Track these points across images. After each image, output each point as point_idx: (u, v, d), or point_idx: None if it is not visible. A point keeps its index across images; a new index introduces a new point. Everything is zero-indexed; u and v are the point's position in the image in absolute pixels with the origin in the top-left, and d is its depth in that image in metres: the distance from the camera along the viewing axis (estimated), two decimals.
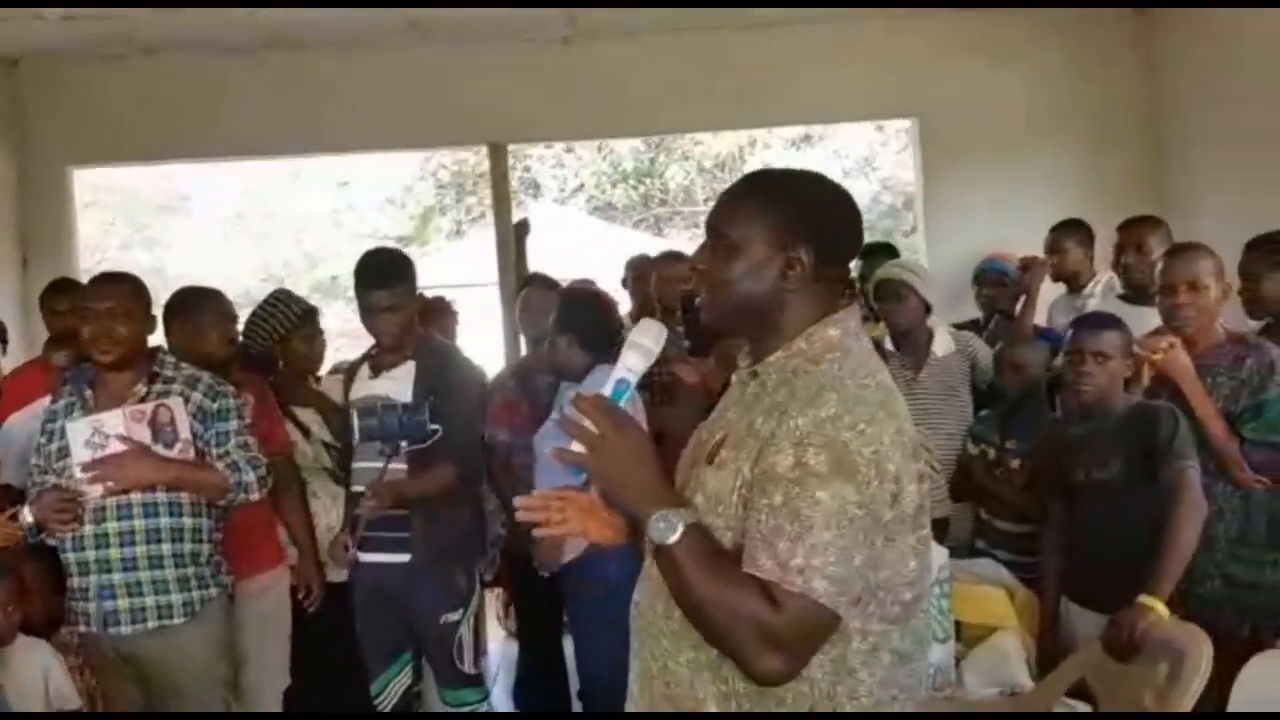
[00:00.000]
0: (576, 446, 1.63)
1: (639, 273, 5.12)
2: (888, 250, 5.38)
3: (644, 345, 1.70)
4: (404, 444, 3.40)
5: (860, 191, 15.76)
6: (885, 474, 1.56)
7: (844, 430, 1.55)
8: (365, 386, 3.59)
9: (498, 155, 6.24)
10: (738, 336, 1.87)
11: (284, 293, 4.23)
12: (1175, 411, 3.08)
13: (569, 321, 3.64)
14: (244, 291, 12.99)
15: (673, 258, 5.02)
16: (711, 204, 1.82)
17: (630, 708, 1.82)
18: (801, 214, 1.72)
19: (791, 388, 1.65)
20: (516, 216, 6.16)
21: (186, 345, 3.58)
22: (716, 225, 1.76)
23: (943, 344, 4.30)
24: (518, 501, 1.86)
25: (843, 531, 1.53)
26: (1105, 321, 3.34)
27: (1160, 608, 2.76)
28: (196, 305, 3.71)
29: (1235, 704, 2.34)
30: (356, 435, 3.46)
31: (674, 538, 1.57)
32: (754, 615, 1.53)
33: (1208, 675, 2.52)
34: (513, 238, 5.83)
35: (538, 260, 5.65)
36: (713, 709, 1.65)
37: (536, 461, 3.55)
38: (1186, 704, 2.50)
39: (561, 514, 1.85)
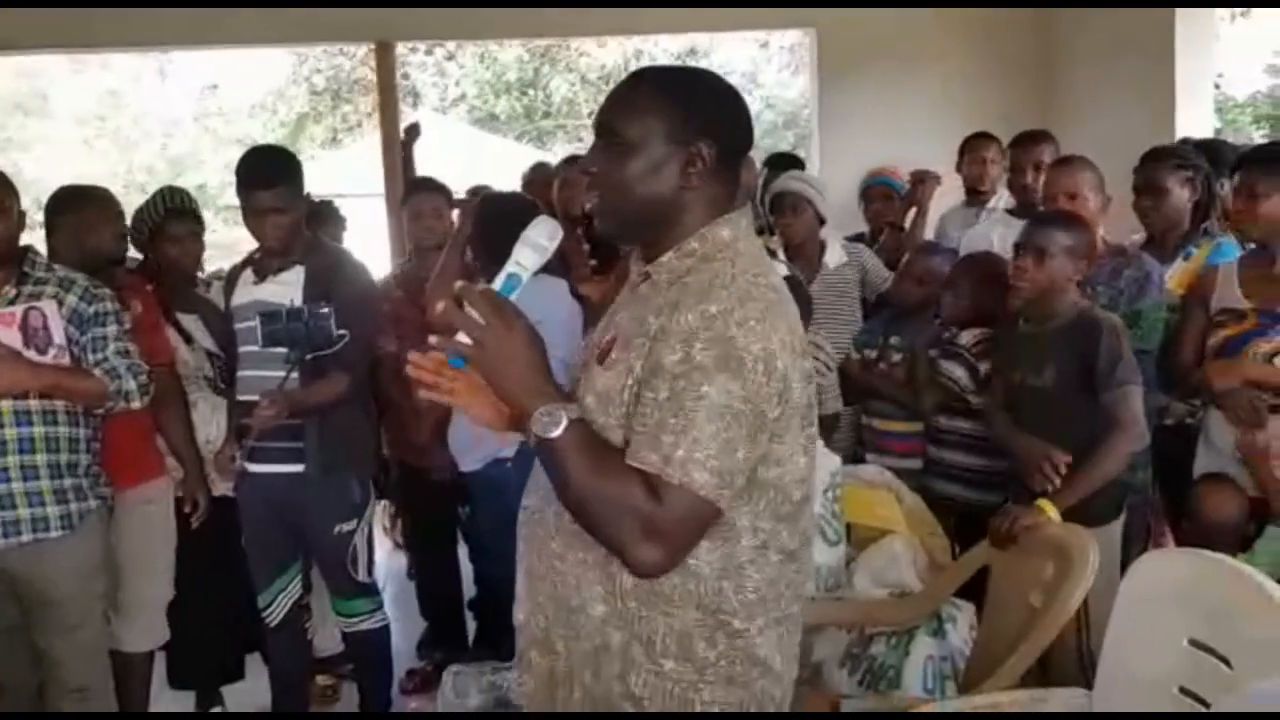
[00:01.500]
0: (463, 338, 1.58)
1: (542, 179, 4.97)
2: (795, 162, 5.30)
3: (537, 242, 1.66)
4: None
5: None
6: (773, 371, 1.56)
7: (733, 326, 1.55)
8: (249, 292, 3.43)
9: (385, 55, 6.02)
10: (633, 242, 1.81)
11: (168, 188, 4.01)
12: (1119, 327, 3.05)
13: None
14: None
15: (574, 163, 4.72)
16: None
17: (518, 609, 1.82)
18: (700, 106, 1.67)
19: (684, 285, 1.63)
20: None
21: (76, 244, 3.41)
22: (609, 124, 1.69)
23: (835, 256, 4.34)
24: (411, 356, 1.68)
25: (726, 425, 1.54)
26: (1054, 221, 3.24)
27: (1052, 512, 2.85)
28: (85, 202, 3.53)
29: (1122, 601, 2.43)
30: (260, 341, 3.32)
31: (557, 432, 1.56)
32: (636, 507, 1.54)
33: (1093, 576, 2.62)
34: (400, 142, 5.63)
35: (420, 170, 5.46)
36: (599, 609, 1.67)
37: None
38: (1073, 604, 2.59)
39: (452, 383, 1.71)
